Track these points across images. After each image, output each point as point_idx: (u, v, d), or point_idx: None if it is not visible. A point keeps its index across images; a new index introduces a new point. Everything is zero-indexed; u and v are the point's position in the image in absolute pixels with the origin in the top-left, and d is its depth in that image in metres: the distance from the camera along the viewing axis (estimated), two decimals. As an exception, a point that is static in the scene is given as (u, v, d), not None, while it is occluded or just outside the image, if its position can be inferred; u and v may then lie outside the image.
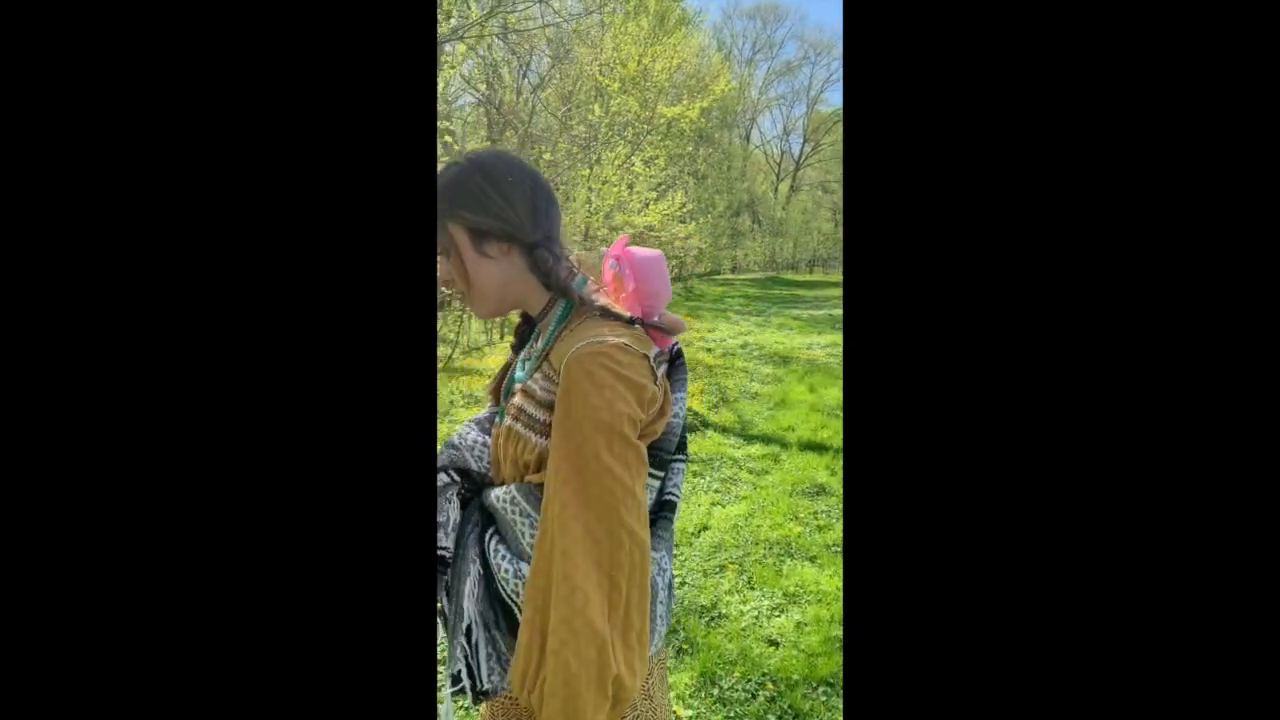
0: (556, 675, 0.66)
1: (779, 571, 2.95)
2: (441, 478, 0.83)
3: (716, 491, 3.94)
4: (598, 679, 0.66)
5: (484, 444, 0.87)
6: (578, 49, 8.73)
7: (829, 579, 2.86)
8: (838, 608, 2.63)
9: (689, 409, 4.80)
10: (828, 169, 40.13)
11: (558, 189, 7.20)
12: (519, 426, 0.78)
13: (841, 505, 3.65)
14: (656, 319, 0.81)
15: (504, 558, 0.76)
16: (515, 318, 0.93)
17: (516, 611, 0.75)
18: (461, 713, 1.91)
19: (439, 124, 7.16)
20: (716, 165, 19.38)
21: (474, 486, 0.85)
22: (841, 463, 4.13)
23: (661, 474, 0.80)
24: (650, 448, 0.77)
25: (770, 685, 2.18)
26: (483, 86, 8.79)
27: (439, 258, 0.81)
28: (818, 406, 5.89)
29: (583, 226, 8.35)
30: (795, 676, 2.22)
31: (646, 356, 0.75)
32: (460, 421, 4.54)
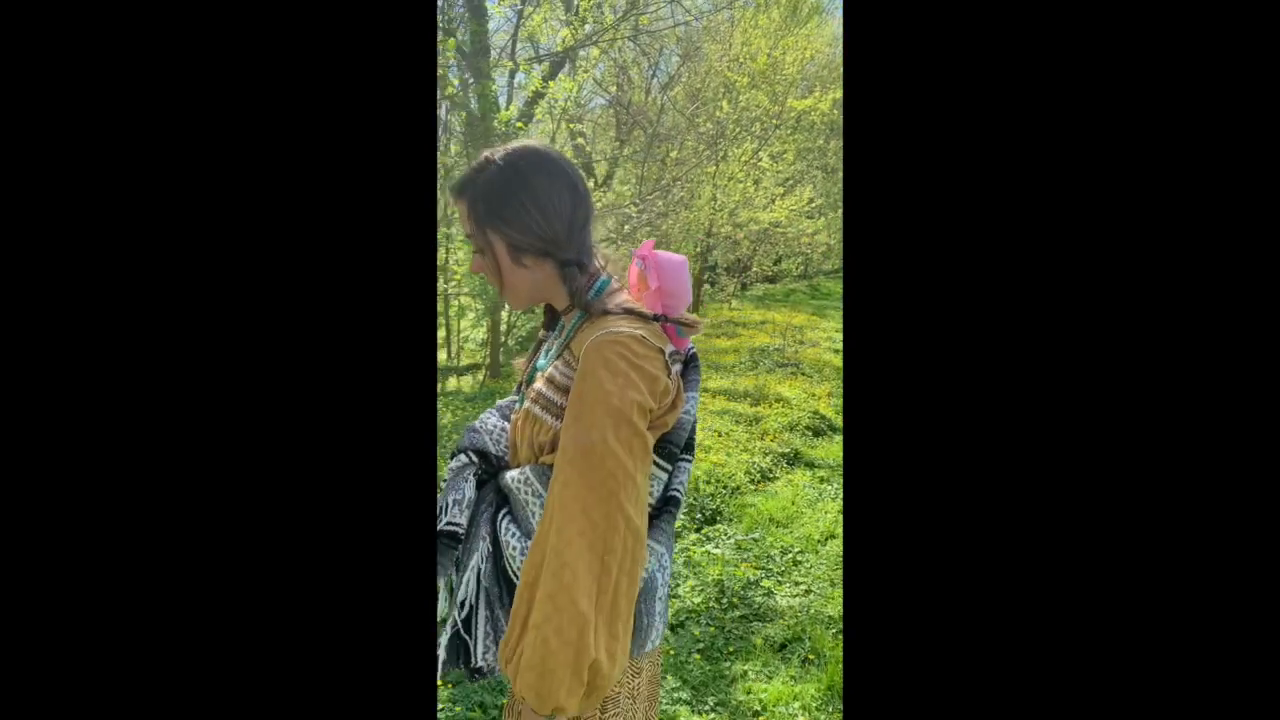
0: (535, 650, 0.66)
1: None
2: (460, 459, 0.87)
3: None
4: (574, 661, 0.65)
5: (503, 429, 0.90)
6: (707, 46, 8.72)
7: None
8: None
9: (817, 412, 4.66)
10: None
11: (683, 187, 7.24)
12: (537, 409, 0.81)
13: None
14: (684, 319, 0.82)
15: (514, 535, 0.78)
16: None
17: None
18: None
19: (572, 126, 7.46)
20: (848, 157, 18.41)
21: (491, 469, 0.88)
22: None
23: (670, 468, 0.82)
24: (661, 440, 0.79)
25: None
26: (613, 88, 9.03)
27: (476, 254, 0.84)
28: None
29: (706, 224, 8.34)
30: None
31: (662, 351, 0.77)
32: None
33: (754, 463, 3.75)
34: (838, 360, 7.91)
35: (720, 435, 4.21)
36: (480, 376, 6.54)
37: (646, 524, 0.73)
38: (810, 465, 3.95)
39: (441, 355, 6.96)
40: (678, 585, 2.56)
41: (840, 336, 9.81)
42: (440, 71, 5.94)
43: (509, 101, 7.11)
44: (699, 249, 10.41)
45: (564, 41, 5.27)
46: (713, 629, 2.29)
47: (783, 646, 2.21)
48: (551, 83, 6.48)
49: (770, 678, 2.05)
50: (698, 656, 2.14)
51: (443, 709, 1.70)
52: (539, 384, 0.82)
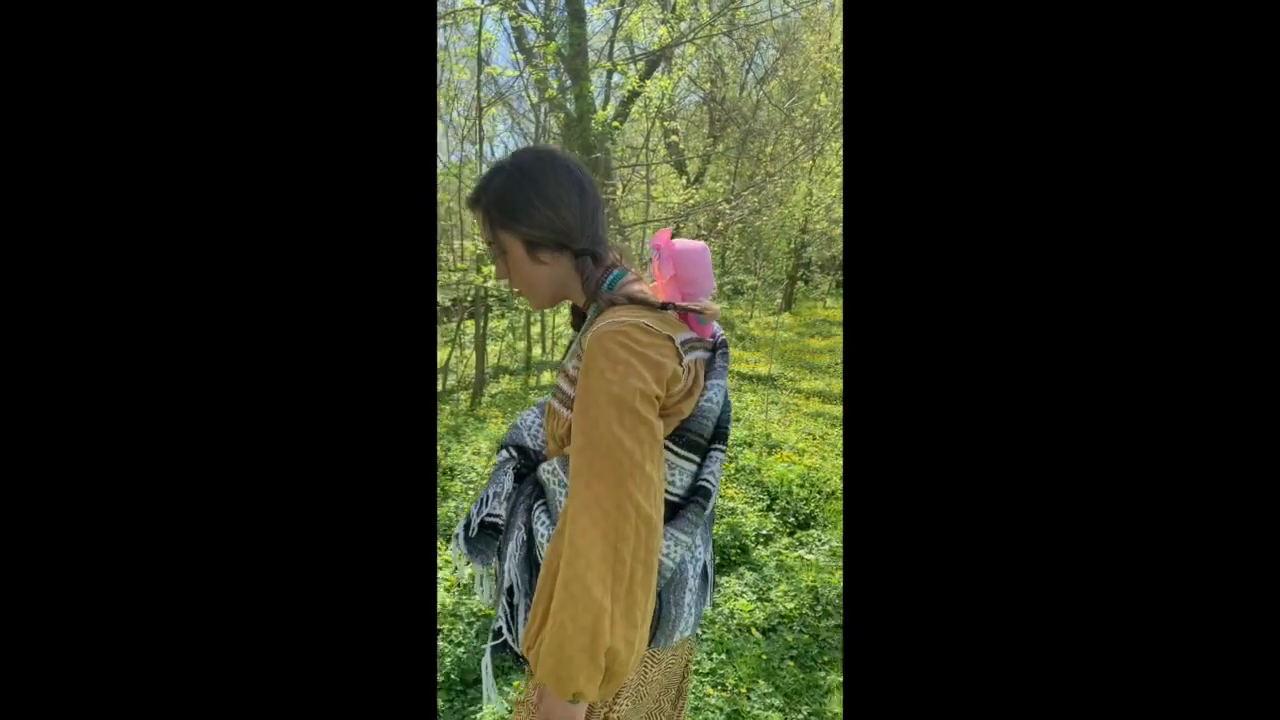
0: (553, 637, 0.67)
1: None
2: (502, 454, 0.90)
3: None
4: (590, 646, 0.66)
5: (540, 424, 0.92)
6: (805, 37, 8.48)
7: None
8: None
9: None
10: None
11: (778, 183, 7.09)
12: (555, 403, 0.83)
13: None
14: (694, 305, 0.81)
15: (544, 525, 0.80)
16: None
17: None
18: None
19: (666, 124, 7.47)
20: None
21: (530, 462, 0.90)
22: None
23: (697, 458, 0.81)
24: (681, 428, 0.78)
25: None
26: (707, 85, 8.98)
27: (498, 259, 0.86)
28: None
29: (801, 220, 8.13)
30: None
31: (671, 338, 0.76)
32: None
33: (850, 467, 3.60)
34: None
35: (814, 438, 4.10)
36: (572, 372, 6.68)
37: (662, 511, 0.73)
38: (910, 473, 3.75)
39: (536, 350, 7.18)
40: (769, 589, 2.51)
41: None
42: (540, 75, 6.13)
43: (605, 102, 7.23)
44: (793, 246, 10.16)
45: (661, 40, 5.29)
46: (806, 636, 2.23)
47: (881, 660, 2.12)
48: (647, 81, 6.52)
49: (867, 692, 1.97)
50: (791, 663, 2.09)
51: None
52: (558, 379, 0.85)
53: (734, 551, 2.72)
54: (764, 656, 2.10)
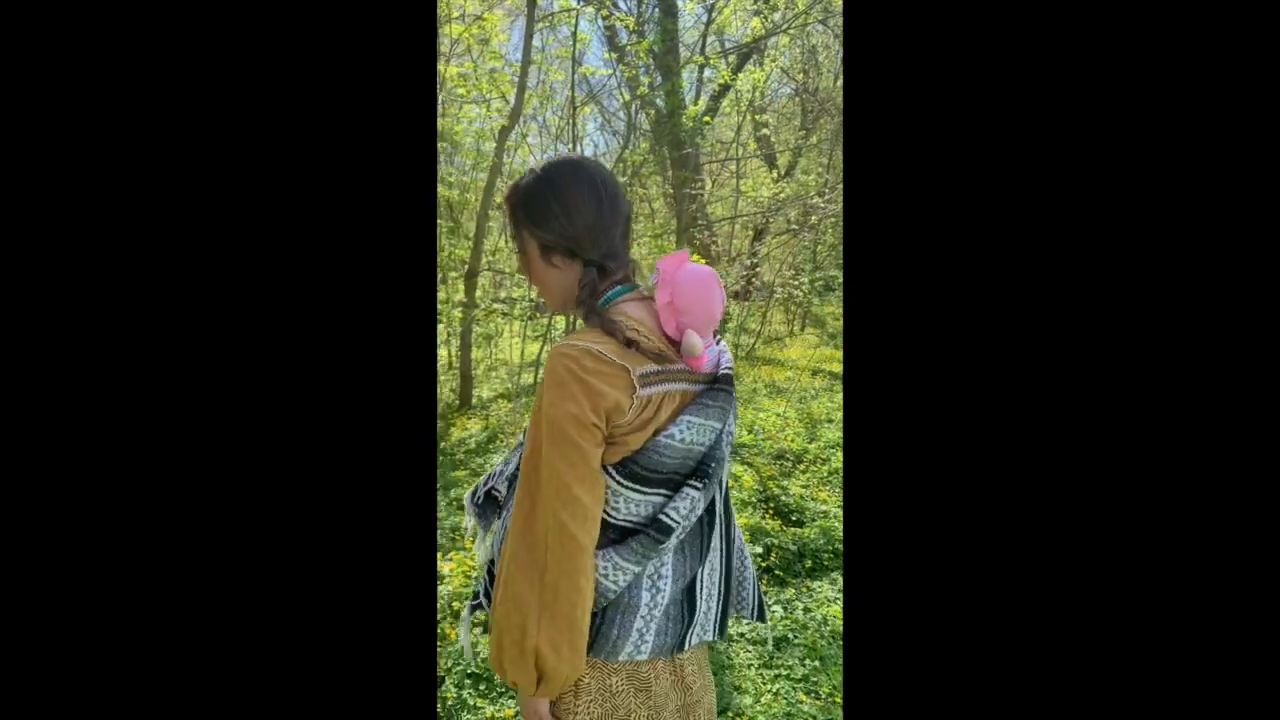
0: (494, 630, 0.76)
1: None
2: (520, 437, 0.93)
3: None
4: (520, 642, 0.73)
5: None
6: (906, 21, 8.06)
7: None
8: None
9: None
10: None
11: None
12: None
13: None
14: (652, 346, 0.79)
15: None
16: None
17: None
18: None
19: (757, 117, 7.34)
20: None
21: None
22: None
23: (656, 491, 0.80)
24: (626, 459, 0.78)
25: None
26: (800, 76, 8.74)
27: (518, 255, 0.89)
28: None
29: (899, 213, 7.75)
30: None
31: (626, 368, 0.75)
32: (762, 409, 4.65)
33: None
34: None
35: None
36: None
37: (593, 533, 0.75)
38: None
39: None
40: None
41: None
42: (631, 73, 6.17)
43: (696, 97, 7.19)
44: (888, 241, 9.70)
45: (754, 31, 5.19)
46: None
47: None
48: (739, 74, 6.43)
49: None
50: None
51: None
52: None
53: (827, 556, 2.64)
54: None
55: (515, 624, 0.73)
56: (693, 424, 0.80)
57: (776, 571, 2.50)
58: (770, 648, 2.03)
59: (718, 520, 0.89)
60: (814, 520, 2.92)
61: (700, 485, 0.81)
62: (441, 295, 4.26)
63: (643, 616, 0.82)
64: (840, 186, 6.12)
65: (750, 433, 3.91)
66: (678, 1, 5.87)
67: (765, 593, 2.13)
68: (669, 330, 0.81)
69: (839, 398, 5.19)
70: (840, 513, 3.02)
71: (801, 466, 3.49)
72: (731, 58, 6.98)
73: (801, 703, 1.83)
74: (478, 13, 4.54)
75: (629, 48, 6.24)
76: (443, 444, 3.97)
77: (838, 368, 6.36)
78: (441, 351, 6.20)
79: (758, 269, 7.38)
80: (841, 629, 2.21)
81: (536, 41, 5.12)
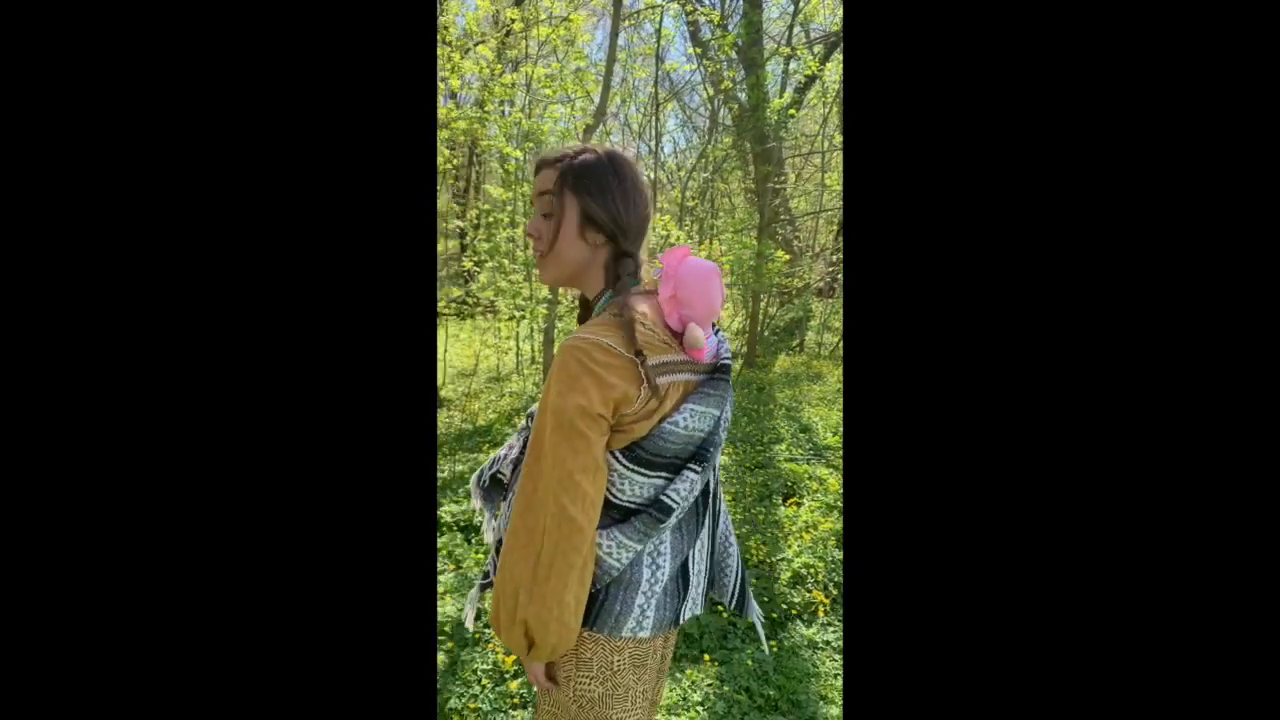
0: (494, 597, 0.83)
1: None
2: (524, 422, 0.99)
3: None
4: (512, 613, 0.80)
5: None
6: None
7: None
8: None
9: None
10: None
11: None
12: None
13: None
14: (685, 328, 0.82)
15: None
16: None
17: None
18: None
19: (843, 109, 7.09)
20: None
21: None
22: None
23: (658, 474, 0.84)
24: (633, 445, 0.82)
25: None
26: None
27: (539, 217, 0.88)
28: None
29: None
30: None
31: (633, 360, 0.78)
32: (846, 410, 4.50)
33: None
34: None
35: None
36: (737, 366, 6.64)
37: (593, 516, 0.79)
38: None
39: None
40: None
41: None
42: (714, 67, 6.11)
43: (782, 89, 7.03)
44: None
45: (842, 20, 5.01)
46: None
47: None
48: (826, 65, 6.23)
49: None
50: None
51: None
52: None
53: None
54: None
55: (509, 593, 0.80)
56: (695, 411, 0.84)
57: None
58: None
59: (710, 501, 0.94)
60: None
61: (699, 468, 0.86)
62: (525, 292, 4.38)
63: (644, 593, 0.87)
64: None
65: (835, 435, 3.79)
66: (763, -8, 5.74)
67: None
68: (671, 323, 0.84)
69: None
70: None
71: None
72: (818, 48, 6.77)
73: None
74: (564, 14, 4.62)
75: (713, 42, 6.18)
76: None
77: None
78: (525, 347, 6.37)
79: (841, 265, 7.15)
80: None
81: (620, 40, 5.15)
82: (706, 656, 1.83)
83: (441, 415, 4.46)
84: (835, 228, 8.05)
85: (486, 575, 0.97)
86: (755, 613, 1.06)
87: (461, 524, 2.64)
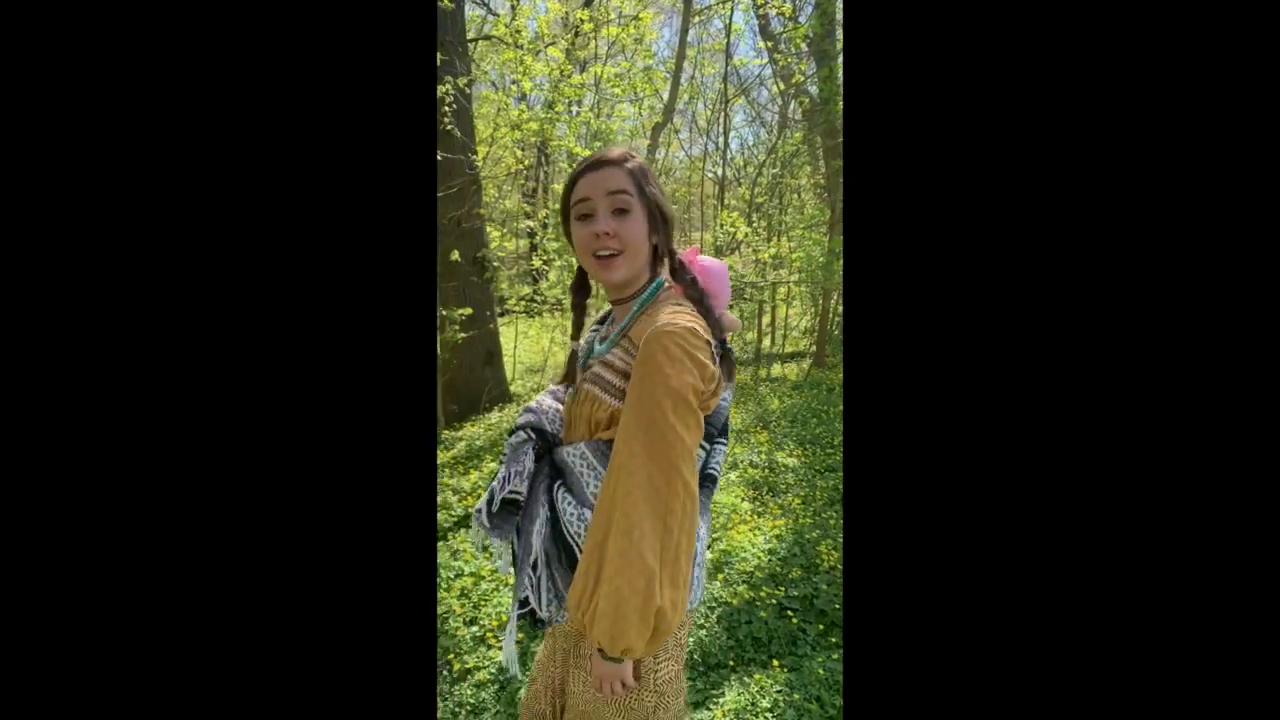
0: (608, 600, 0.77)
1: None
2: (520, 435, 0.97)
3: None
4: (643, 608, 0.76)
5: (556, 410, 1.00)
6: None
7: None
8: None
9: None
10: None
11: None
12: (596, 390, 0.90)
13: None
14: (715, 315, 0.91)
15: (569, 504, 0.88)
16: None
17: (576, 551, 0.86)
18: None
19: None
20: None
21: (546, 445, 0.97)
22: None
23: (708, 447, 0.91)
24: (706, 421, 0.87)
25: None
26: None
27: (608, 215, 0.89)
28: None
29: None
30: None
31: (709, 342, 0.85)
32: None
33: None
34: None
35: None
36: (805, 365, 6.48)
37: (699, 491, 0.82)
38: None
39: (765, 341, 7.10)
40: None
41: None
42: (784, 61, 5.98)
43: (852, 81, 6.80)
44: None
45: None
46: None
47: None
48: (903, 53, 5.98)
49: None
50: None
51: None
52: (597, 367, 0.91)
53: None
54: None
55: (638, 589, 0.77)
56: (728, 386, 0.91)
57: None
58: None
59: None
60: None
61: (725, 440, 0.94)
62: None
63: (699, 564, 0.91)
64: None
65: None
66: (837, -19, 5.57)
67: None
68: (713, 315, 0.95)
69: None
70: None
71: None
72: (894, 36, 6.51)
73: None
74: (634, 13, 4.63)
75: (784, 35, 6.05)
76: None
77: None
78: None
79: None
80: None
81: (689, 36, 5.12)
82: (775, 662, 1.80)
83: (511, 410, 4.57)
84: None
85: (525, 603, 0.92)
86: None
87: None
